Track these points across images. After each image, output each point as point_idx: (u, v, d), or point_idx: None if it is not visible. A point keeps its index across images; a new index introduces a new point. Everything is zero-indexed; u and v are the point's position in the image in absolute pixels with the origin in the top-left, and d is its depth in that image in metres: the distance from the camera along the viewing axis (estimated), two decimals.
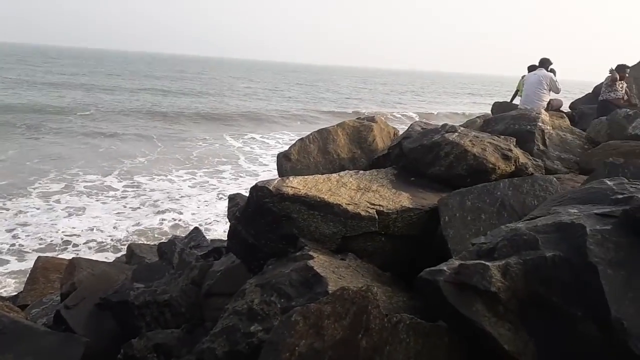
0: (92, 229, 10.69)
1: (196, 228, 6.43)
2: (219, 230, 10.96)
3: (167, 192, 13.90)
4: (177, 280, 4.19)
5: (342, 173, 3.65)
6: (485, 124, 4.52)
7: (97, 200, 12.79)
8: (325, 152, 4.49)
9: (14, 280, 8.15)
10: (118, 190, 13.90)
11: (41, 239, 10.07)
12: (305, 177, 3.54)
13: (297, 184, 3.40)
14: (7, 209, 11.73)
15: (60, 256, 7.81)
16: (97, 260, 5.71)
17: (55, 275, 5.61)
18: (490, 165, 3.56)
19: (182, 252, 4.96)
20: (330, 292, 2.65)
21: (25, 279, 6.18)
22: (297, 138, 5.01)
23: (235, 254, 3.85)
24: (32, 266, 6.07)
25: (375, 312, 2.11)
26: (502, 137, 3.94)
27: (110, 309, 4.13)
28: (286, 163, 4.68)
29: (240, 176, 16.47)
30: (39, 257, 6.42)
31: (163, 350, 3.07)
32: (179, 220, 11.83)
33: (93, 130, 20.56)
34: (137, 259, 5.46)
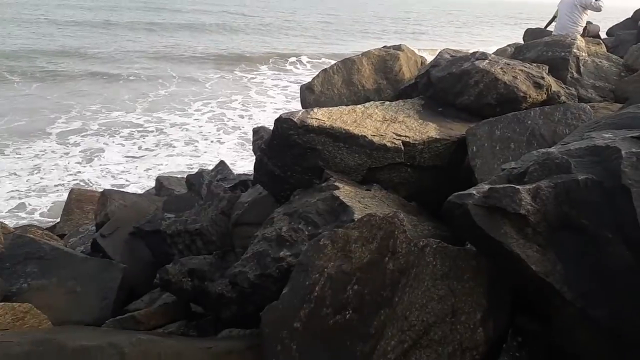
0: (113, 168, 10.94)
1: (222, 161, 6.52)
2: (237, 164, 11.11)
3: (186, 128, 14.02)
4: (207, 210, 4.31)
5: (367, 104, 3.61)
6: (517, 52, 4.35)
7: (121, 137, 12.97)
8: (350, 83, 4.41)
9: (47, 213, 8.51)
10: (141, 126, 14.04)
11: (68, 173, 10.42)
12: (330, 108, 3.51)
13: (322, 116, 3.38)
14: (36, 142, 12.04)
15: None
16: (127, 192, 5.89)
17: (89, 207, 5.83)
18: (521, 94, 3.47)
19: (209, 184, 5.07)
20: (355, 219, 2.71)
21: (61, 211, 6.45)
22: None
23: (262, 185, 3.92)
24: (67, 198, 6.31)
25: (402, 236, 2.16)
26: (534, 64, 3.80)
27: (144, 238, 4.30)
28: (309, 95, 4.62)
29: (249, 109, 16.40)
30: (72, 189, 6.65)
31: (197, 274, 3.21)
32: (199, 155, 12.01)
33: (110, 72, 20.51)
34: (166, 191, 5.61)
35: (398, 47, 4.67)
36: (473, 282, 1.97)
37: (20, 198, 9.26)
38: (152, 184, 8.56)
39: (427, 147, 3.28)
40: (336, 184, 3.11)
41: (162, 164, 11.31)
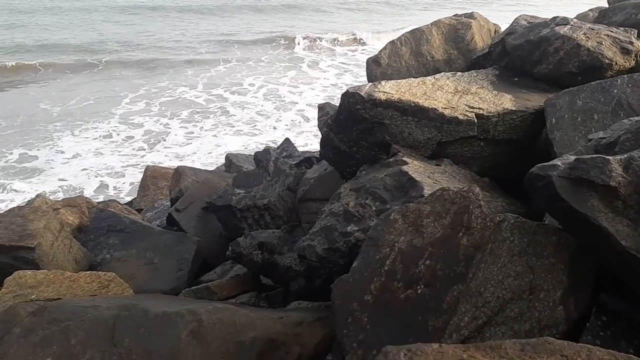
0: (180, 149, 11.37)
1: (287, 139, 6.60)
2: (298, 142, 11.24)
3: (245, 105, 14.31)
4: (274, 186, 4.39)
5: (437, 75, 3.48)
6: (601, 16, 4.02)
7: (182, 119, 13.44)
8: (419, 55, 4.27)
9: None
10: (203, 105, 14.47)
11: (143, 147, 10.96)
12: (398, 81, 3.42)
13: (390, 89, 3.30)
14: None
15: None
16: (199, 169, 6.12)
17: (163, 183, 6.11)
18: (607, 61, 3.21)
19: (276, 160, 5.14)
20: (425, 195, 2.65)
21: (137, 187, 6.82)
22: None
23: (328, 161, 3.92)
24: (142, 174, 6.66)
25: (477, 211, 2.08)
26: (622, 28, 3.49)
27: (215, 212, 4.45)
28: (376, 68, 4.53)
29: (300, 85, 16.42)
30: (147, 166, 7.00)
31: (266, 247, 3.29)
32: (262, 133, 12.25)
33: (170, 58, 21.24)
34: (235, 168, 5.77)
35: (470, 15, 4.45)
36: (553, 259, 1.87)
37: (96, 176, 9.91)
38: (213, 161, 8.83)
39: (502, 119, 3.12)
40: (404, 159, 3.04)
41: (225, 144, 11.65)
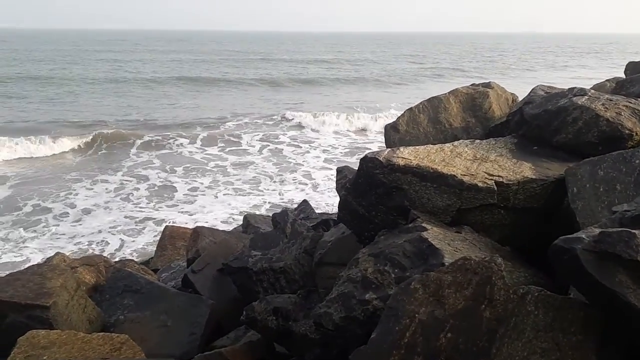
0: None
1: (305, 200, 6.62)
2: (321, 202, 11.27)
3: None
4: (291, 249, 4.36)
5: (456, 143, 3.51)
6: (619, 87, 4.06)
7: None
8: (436, 122, 4.33)
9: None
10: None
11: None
12: (417, 147, 3.46)
13: (409, 155, 3.33)
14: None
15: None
16: (217, 229, 6.13)
17: (180, 243, 6.12)
18: (627, 131, 3.21)
19: (294, 222, 5.14)
20: (446, 263, 2.60)
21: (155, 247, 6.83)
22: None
23: (346, 224, 3.90)
24: (160, 234, 6.69)
25: (500, 283, 2.03)
26: None
27: (231, 274, 4.41)
28: (394, 134, 4.60)
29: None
30: (166, 226, 7.05)
31: (281, 313, 3.22)
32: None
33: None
34: (253, 229, 5.76)
35: (487, 85, 4.54)
36: (581, 336, 1.79)
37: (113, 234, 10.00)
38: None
39: (522, 187, 3.10)
40: (424, 225, 3.02)
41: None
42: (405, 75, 40.88)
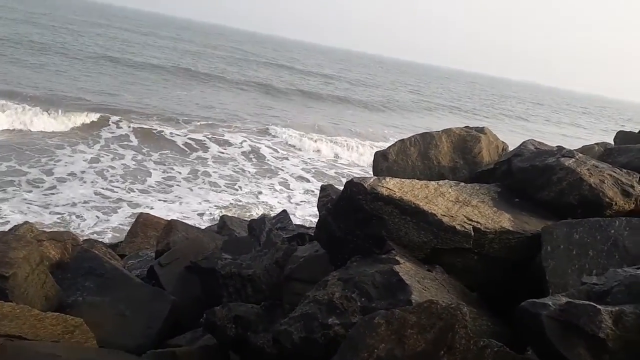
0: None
1: (284, 211, 6.60)
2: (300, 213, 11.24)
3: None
4: (262, 258, 4.33)
5: (441, 182, 3.55)
6: (607, 154, 4.16)
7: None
8: (426, 157, 4.38)
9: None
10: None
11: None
12: (403, 180, 3.48)
13: (393, 186, 3.35)
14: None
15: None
16: (192, 225, 6.07)
17: (152, 232, 6.04)
18: (607, 200, 3.28)
19: (269, 232, 5.12)
20: (413, 301, 2.61)
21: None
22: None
23: (321, 243, 3.90)
24: (134, 220, 6.60)
25: (462, 332, 2.04)
26: (625, 170, 3.61)
27: (198, 274, 4.36)
28: (383, 162, 4.63)
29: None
30: (141, 213, 6.95)
31: (242, 322, 3.19)
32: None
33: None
34: (228, 231, 5.72)
35: (481, 130, 4.62)
36: None
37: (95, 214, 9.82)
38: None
39: (499, 237, 3.14)
40: (397, 258, 3.03)
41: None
42: (404, 104, 41.31)
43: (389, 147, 4.62)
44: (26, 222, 4.95)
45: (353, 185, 3.37)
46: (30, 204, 9.61)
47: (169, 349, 3.34)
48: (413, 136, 4.58)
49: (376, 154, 4.64)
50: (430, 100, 49.90)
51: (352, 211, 3.37)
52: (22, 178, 10.78)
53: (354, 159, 18.35)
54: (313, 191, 13.40)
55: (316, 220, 3.96)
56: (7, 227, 6.87)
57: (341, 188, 3.84)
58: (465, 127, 4.71)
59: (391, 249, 3.17)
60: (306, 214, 11.39)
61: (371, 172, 4.74)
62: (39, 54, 29.61)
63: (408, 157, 4.48)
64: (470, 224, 3.15)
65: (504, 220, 3.24)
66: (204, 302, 4.22)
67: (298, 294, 3.58)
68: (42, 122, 15.01)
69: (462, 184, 3.60)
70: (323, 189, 5.18)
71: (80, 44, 37.79)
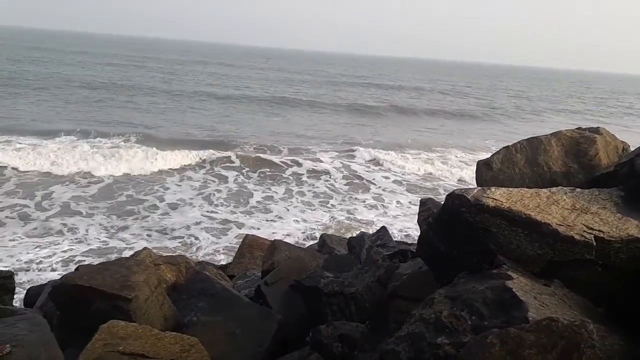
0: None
1: (383, 227, 6.51)
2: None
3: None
4: (364, 275, 4.29)
5: (554, 189, 3.28)
6: None
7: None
8: (534, 164, 4.08)
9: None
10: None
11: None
12: (510, 189, 3.27)
13: (500, 196, 3.15)
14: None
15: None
16: (294, 245, 6.21)
17: (258, 253, 6.26)
18: None
19: (369, 249, 5.07)
20: (530, 318, 2.40)
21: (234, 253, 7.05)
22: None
23: (424, 260, 3.78)
24: (240, 242, 6.90)
25: (589, 352, 1.84)
26: None
27: (302, 292, 4.42)
28: (487, 172, 4.40)
29: None
30: (247, 234, 7.26)
31: (347, 341, 3.16)
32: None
33: None
34: (328, 249, 5.76)
35: (596, 130, 4.22)
36: None
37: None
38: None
39: (626, 246, 2.82)
40: (509, 272, 2.83)
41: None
42: (504, 110, 39.30)
43: (493, 155, 4.38)
44: (145, 248, 5.37)
45: (455, 197, 3.23)
46: (150, 230, 10.46)
47: None
48: (519, 142, 4.30)
49: (479, 163, 4.42)
50: (533, 103, 47.08)
51: (455, 225, 3.22)
52: (139, 206, 11.79)
53: (452, 172, 17.67)
54: (408, 205, 13.13)
55: (416, 235, 3.85)
56: (129, 253, 7.51)
57: (442, 201, 3.70)
58: (578, 128, 4.33)
59: (502, 264, 2.97)
60: (404, 228, 11.17)
61: (473, 184, 4.53)
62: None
63: (514, 165, 4.21)
64: (591, 233, 2.86)
65: (631, 227, 2.90)
66: (308, 320, 4.26)
67: (403, 312, 3.49)
68: (159, 161, 15.92)
69: (579, 189, 3.30)
70: (423, 203, 5.04)
71: (185, 82, 40.79)
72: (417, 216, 4.89)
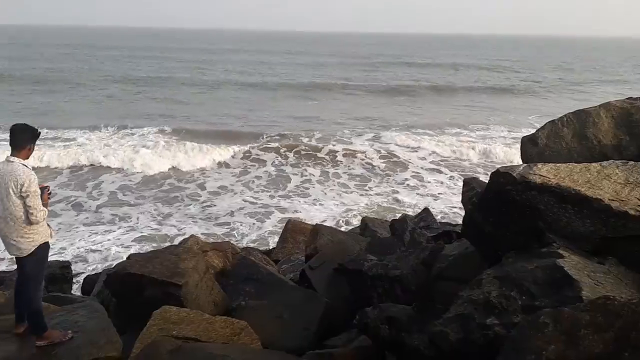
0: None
1: (426, 209, 6.45)
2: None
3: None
4: (408, 258, 4.27)
5: (605, 163, 3.15)
6: None
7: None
8: (582, 137, 3.92)
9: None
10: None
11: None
12: (558, 165, 3.16)
13: (547, 173, 3.06)
14: None
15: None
16: (335, 228, 6.24)
17: (300, 237, 6.33)
18: None
19: (413, 231, 5.03)
20: (583, 297, 2.34)
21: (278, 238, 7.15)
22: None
23: (470, 240, 3.72)
24: (283, 227, 6.98)
25: None
26: None
27: (346, 275, 4.45)
28: (532, 148, 4.26)
29: None
30: (289, 219, 7.34)
31: (394, 323, 3.17)
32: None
33: None
34: (370, 232, 5.76)
35: None
36: None
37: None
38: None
39: None
40: (560, 251, 2.76)
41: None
42: (547, 84, 37.73)
43: (538, 130, 4.24)
44: (192, 235, 5.52)
45: (500, 175, 3.15)
46: (194, 217, 10.72)
47: (326, 350, 3.45)
48: (565, 115, 4.14)
49: (523, 139, 4.29)
50: (577, 74, 45.04)
51: (502, 204, 3.15)
52: (182, 193, 12.10)
53: (494, 150, 17.18)
54: (449, 185, 12.89)
55: (460, 215, 3.77)
56: (180, 239, 7.71)
57: (486, 180, 3.62)
58: (628, 98, 4.12)
59: (552, 242, 2.89)
60: (448, 206, 10.99)
61: (518, 162, 4.39)
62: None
63: (561, 140, 4.06)
64: None
65: None
66: (353, 302, 4.28)
67: (449, 294, 3.45)
68: (197, 150, 16.15)
69: (631, 162, 3.15)
70: (467, 182, 4.94)
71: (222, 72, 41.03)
72: (460, 196, 4.80)
